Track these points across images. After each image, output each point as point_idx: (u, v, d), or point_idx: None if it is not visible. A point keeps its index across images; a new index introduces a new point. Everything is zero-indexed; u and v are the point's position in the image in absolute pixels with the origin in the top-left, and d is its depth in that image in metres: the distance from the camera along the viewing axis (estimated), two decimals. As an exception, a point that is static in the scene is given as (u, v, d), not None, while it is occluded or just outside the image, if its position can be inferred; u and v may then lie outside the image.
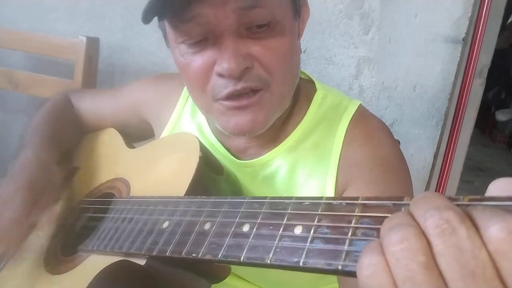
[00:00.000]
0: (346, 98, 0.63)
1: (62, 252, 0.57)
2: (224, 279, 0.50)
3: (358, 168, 0.56)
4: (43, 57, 1.24)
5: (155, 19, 0.56)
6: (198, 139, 0.56)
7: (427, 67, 1.06)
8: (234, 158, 0.62)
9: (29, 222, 0.56)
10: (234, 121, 0.53)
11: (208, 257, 0.38)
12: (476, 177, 3.05)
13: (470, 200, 0.26)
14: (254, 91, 0.51)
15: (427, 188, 1.16)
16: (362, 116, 0.61)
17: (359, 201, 0.32)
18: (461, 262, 0.22)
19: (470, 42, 1.04)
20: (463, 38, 1.03)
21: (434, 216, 0.24)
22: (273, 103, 0.53)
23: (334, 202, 0.33)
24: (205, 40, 0.50)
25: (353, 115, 0.60)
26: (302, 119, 0.61)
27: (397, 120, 1.11)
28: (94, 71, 1.12)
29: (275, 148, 0.60)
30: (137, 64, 1.29)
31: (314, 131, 0.60)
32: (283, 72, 0.53)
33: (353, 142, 0.57)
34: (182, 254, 0.40)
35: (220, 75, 0.50)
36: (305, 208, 0.34)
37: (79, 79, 1.09)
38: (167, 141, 0.65)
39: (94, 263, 0.50)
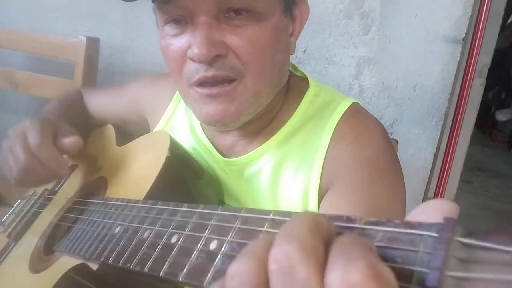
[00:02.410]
0: (340, 95, 0.61)
1: (45, 251, 0.58)
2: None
3: (343, 167, 0.53)
4: (43, 57, 1.24)
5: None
6: (171, 138, 0.55)
7: (427, 67, 1.06)
8: (220, 156, 0.61)
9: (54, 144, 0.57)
10: (206, 109, 0.52)
11: (137, 268, 0.37)
12: (476, 177, 3.05)
13: (366, 223, 0.23)
14: (227, 81, 0.51)
15: (427, 188, 1.16)
16: (354, 114, 0.58)
17: (270, 216, 0.29)
18: None
19: (470, 42, 1.04)
20: (463, 38, 1.03)
21: (277, 248, 0.20)
22: (247, 97, 0.52)
23: (250, 215, 0.31)
24: (185, 23, 0.50)
25: (345, 112, 0.57)
26: (291, 116, 0.59)
27: (397, 120, 1.11)
28: (94, 71, 1.12)
29: (262, 145, 0.58)
30: (137, 64, 1.29)
31: (303, 128, 0.58)
32: (259, 66, 0.51)
33: (341, 140, 0.55)
34: (120, 263, 0.39)
35: (191, 60, 0.50)
36: (225, 220, 0.32)
37: (79, 79, 1.09)
38: (144, 139, 0.65)
39: (62, 264, 0.51)
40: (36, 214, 0.67)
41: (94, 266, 0.45)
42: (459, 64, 1.05)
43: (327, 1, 1.08)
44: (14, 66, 1.25)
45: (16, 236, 0.65)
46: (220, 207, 0.34)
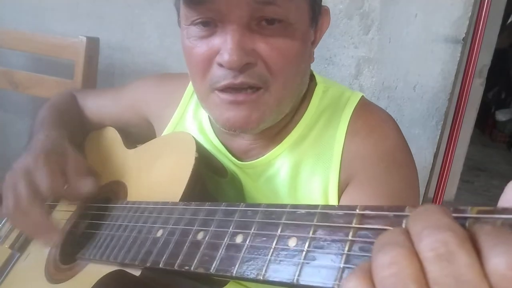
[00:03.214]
0: (347, 90, 0.62)
1: (62, 260, 0.56)
2: (225, 285, 0.49)
3: (360, 162, 0.54)
4: (43, 57, 1.24)
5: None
6: (195, 139, 0.55)
7: (427, 67, 1.06)
8: (235, 160, 0.61)
9: (58, 189, 0.54)
10: (227, 115, 0.51)
11: (200, 270, 0.36)
12: (476, 177, 3.05)
13: (478, 212, 0.23)
14: (252, 88, 0.50)
15: (427, 188, 1.16)
16: (365, 107, 0.59)
17: (357, 211, 0.29)
18: None
19: (470, 42, 1.04)
20: (463, 38, 1.03)
21: (431, 237, 0.21)
22: (270, 105, 0.52)
23: (330, 211, 0.31)
24: (214, 26, 0.49)
25: (356, 106, 0.58)
26: (303, 115, 0.59)
27: (397, 120, 1.10)
28: (94, 71, 1.12)
29: (277, 147, 0.59)
30: (137, 64, 1.28)
31: (316, 126, 0.58)
32: (285, 75, 0.51)
33: (356, 135, 0.56)
34: (175, 267, 0.38)
35: (221, 65, 0.49)
36: (300, 218, 0.32)
37: (79, 79, 1.09)
38: (163, 141, 0.64)
39: (91, 272, 0.49)
40: None
41: (135, 272, 0.43)
42: (459, 64, 1.05)
43: (327, 1, 1.07)
44: (14, 66, 1.25)
45: (21, 246, 0.63)
46: (288, 205, 0.34)
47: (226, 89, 0.50)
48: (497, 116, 3.80)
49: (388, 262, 0.21)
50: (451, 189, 1.23)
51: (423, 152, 1.13)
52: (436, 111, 1.09)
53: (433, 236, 0.21)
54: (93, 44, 1.09)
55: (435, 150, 1.13)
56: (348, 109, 0.58)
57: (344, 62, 1.11)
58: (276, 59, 0.49)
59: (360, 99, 0.59)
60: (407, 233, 0.23)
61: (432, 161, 1.13)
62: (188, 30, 0.52)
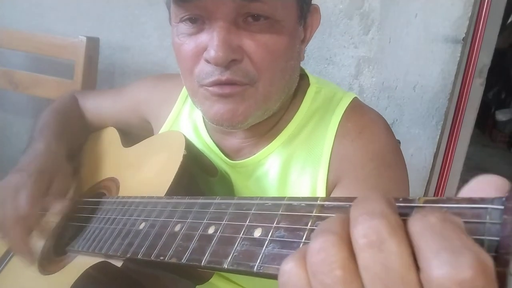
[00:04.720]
0: (340, 91, 0.62)
1: (55, 252, 0.57)
2: (208, 280, 0.50)
3: (349, 163, 0.54)
4: (43, 57, 1.24)
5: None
6: (185, 138, 0.56)
7: (427, 67, 1.06)
8: (227, 159, 0.61)
9: (41, 207, 0.56)
10: (215, 108, 0.52)
11: (173, 260, 0.37)
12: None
13: (425, 202, 0.24)
14: (240, 84, 0.51)
15: (427, 188, 1.16)
16: (356, 109, 0.59)
17: (318, 202, 0.30)
18: (385, 283, 0.20)
19: (470, 42, 1.04)
20: (463, 38, 1.03)
21: (363, 224, 0.21)
22: (257, 100, 0.52)
23: (295, 202, 0.32)
24: (202, 23, 0.50)
25: (347, 107, 0.58)
26: (294, 115, 0.59)
27: (397, 120, 1.11)
28: (94, 71, 1.12)
29: (268, 146, 0.59)
30: (137, 64, 1.28)
31: (307, 126, 0.59)
32: (272, 72, 0.52)
33: (345, 136, 0.56)
34: (152, 257, 0.39)
35: (208, 62, 0.50)
36: (267, 209, 0.33)
37: (79, 79, 1.09)
38: (156, 139, 0.65)
39: (79, 264, 0.50)
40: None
41: (117, 263, 0.44)
42: (459, 64, 1.05)
43: (327, 1, 1.07)
44: (14, 66, 1.25)
45: None
46: (259, 198, 0.35)
47: (213, 85, 0.51)
48: (497, 116, 3.80)
49: (318, 248, 0.22)
50: (451, 189, 1.23)
51: (423, 152, 1.13)
52: (436, 111, 1.09)
53: (366, 223, 0.21)
54: (93, 44, 1.10)
55: (435, 150, 1.13)
56: (339, 110, 0.58)
57: (344, 62, 1.11)
58: (262, 56, 0.50)
59: (352, 100, 0.59)
60: (345, 219, 0.23)
61: (432, 161, 1.13)
62: (178, 27, 0.52)
